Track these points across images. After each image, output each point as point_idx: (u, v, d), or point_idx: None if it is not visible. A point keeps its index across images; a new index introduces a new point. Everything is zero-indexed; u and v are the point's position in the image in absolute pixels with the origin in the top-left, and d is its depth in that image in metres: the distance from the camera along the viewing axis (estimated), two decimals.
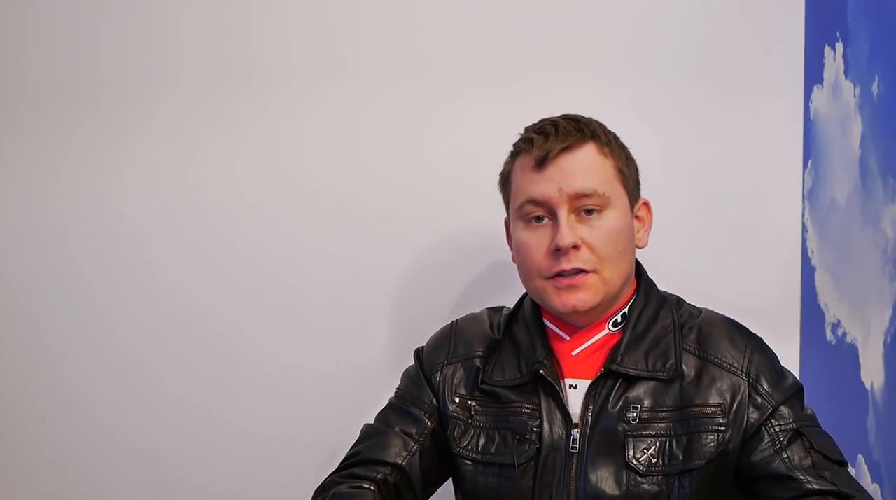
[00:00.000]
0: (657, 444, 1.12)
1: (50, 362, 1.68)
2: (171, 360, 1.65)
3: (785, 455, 1.09)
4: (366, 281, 1.61)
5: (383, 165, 1.61)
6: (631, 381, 1.15)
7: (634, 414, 1.13)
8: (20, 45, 1.70)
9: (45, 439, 1.68)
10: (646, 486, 1.10)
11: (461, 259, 1.59)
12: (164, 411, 1.65)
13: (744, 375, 1.15)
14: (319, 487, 1.19)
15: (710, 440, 1.11)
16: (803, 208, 1.55)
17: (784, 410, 1.13)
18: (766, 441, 1.11)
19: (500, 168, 1.26)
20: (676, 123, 1.57)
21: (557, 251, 1.14)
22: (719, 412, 1.12)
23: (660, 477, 1.11)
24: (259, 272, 1.64)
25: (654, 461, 1.11)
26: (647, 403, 1.14)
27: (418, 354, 1.30)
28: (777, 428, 1.11)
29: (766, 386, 1.14)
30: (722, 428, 1.12)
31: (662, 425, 1.13)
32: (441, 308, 1.55)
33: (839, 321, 1.38)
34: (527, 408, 1.17)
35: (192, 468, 1.65)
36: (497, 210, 1.28)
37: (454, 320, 1.31)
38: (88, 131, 1.68)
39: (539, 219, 1.17)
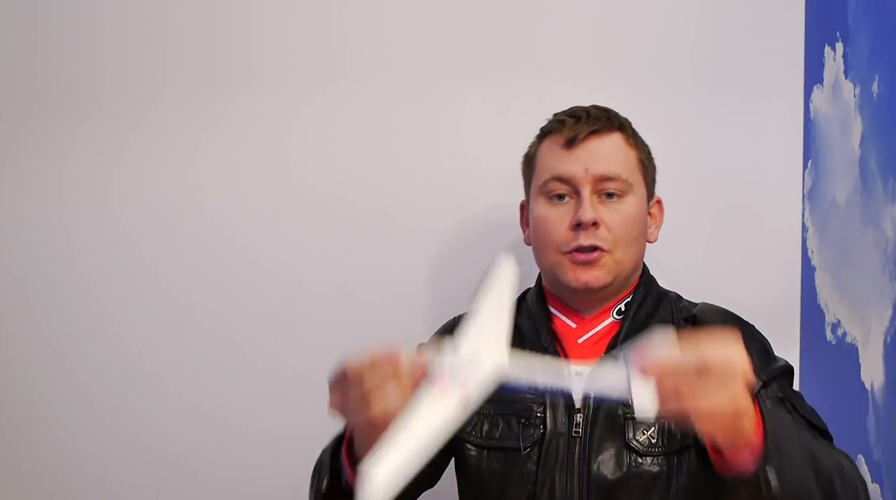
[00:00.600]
0: (656, 425, 1.14)
1: (50, 362, 1.68)
2: (172, 360, 1.65)
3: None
4: (367, 280, 1.61)
5: (385, 164, 1.61)
6: None
7: None
8: (20, 45, 1.70)
9: (45, 439, 1.68)
10: (646, 466, 1.12)
11: (463, 258, 1.58)
12: (164, 410, 1.65)
13: None
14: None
15: None
16: (803, 208, 1.55)
17: (772, 384, 1.15)
18: None
19: (501, 167, 1.27)
20: (676, 123, 1.57)
21: (578, 226, 1.17)
22: None
23: (660, 457, 1.12)
24: (260, 272, 1.63)
25: (653, 440, 1.13)
26: None
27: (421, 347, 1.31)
28: (763, 397, 1.13)
29: (756, 363, 1.15)
30: None
31: None
32: (443, 306, 1.55)
33: (839, 321, 1.38)
34: (531, 394, 1.18)
35: (193, 468, 1.65)
36: (498, 209, 1.28)
37: (456, 315, 1.32)
38: (89, 132, 1.68)
39: (561, 197, 1.20)
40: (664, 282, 1.27)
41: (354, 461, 1.04)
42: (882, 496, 1.22)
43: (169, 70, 1.66)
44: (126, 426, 1.66)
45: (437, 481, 1.26)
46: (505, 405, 1.19)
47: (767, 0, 1.55)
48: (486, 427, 1.20)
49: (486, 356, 0.86)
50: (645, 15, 1.58)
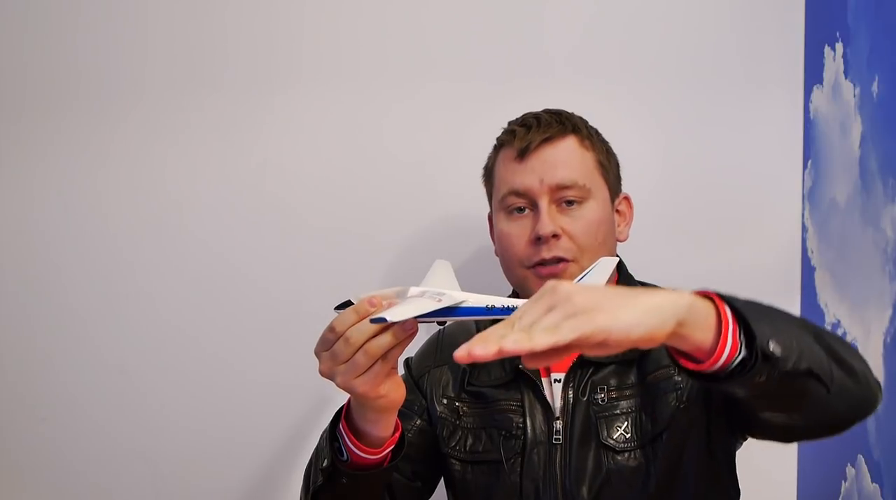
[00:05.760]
0: (629, 420, 1.14)
1: (50, 362, 1.67)
2: (172, 360, 1.65)
3: None
4: (360, 284, 1.60)
5: (375, 169, 1.61)
6: (598, 367, 1.17)
7: (602, 395, 1.15)
8: (12, 46, 1.69)
9: (45, 439, 1.68)
10: (624, 462, 1.13)
11: (457, 263, 1.58)
12: (164, 411, 1.65)
13: None
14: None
15: (672, 399, 1.13)
16: (803, 208, 1.55)
17: None
18: None
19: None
20: (676, 123, 1.57)
21: (538, 240, 1.16)
22: (674, 371, 1.13)
23: (637, 451, 1.13)
24: (256, 274, 1.63)
25: (627, 436, 1.13)
26: (612, 382, 1.16)
27: (407, 362, 1.32)
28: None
29: None
30: (680, 385, 1.13)
31: (630, 401, 1.15)
32: None
33: (839, 321, 1.38)
34: (512, 405, 1.19)
35: (193, 468, 1.64)
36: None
37: (441, 327, 1.32)
38: (90, 133, 1.67)
39: (521, 210, 1.20)
40: (663, 284, 1.27)
41: (355, 431, 1.04)
42: (882, 496, 1.22)
43: (156, 69, 1.64)
44: (126, 426, 1.66)
45: (428, 497, 1.27)
46: (487, 418, 1.20)
47: (767, 0, 1.55)
48: (469, 441, 1.20)
49: (448, 290, 0.97)
50: (644, 15, 1.57)
